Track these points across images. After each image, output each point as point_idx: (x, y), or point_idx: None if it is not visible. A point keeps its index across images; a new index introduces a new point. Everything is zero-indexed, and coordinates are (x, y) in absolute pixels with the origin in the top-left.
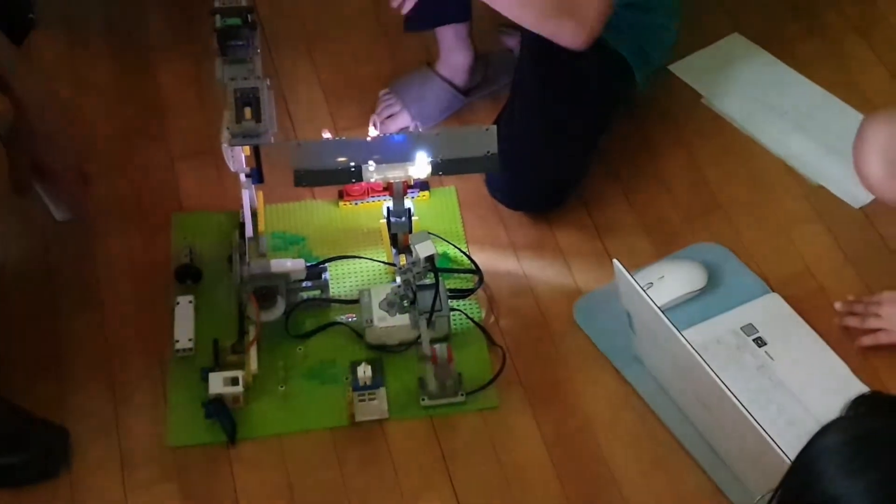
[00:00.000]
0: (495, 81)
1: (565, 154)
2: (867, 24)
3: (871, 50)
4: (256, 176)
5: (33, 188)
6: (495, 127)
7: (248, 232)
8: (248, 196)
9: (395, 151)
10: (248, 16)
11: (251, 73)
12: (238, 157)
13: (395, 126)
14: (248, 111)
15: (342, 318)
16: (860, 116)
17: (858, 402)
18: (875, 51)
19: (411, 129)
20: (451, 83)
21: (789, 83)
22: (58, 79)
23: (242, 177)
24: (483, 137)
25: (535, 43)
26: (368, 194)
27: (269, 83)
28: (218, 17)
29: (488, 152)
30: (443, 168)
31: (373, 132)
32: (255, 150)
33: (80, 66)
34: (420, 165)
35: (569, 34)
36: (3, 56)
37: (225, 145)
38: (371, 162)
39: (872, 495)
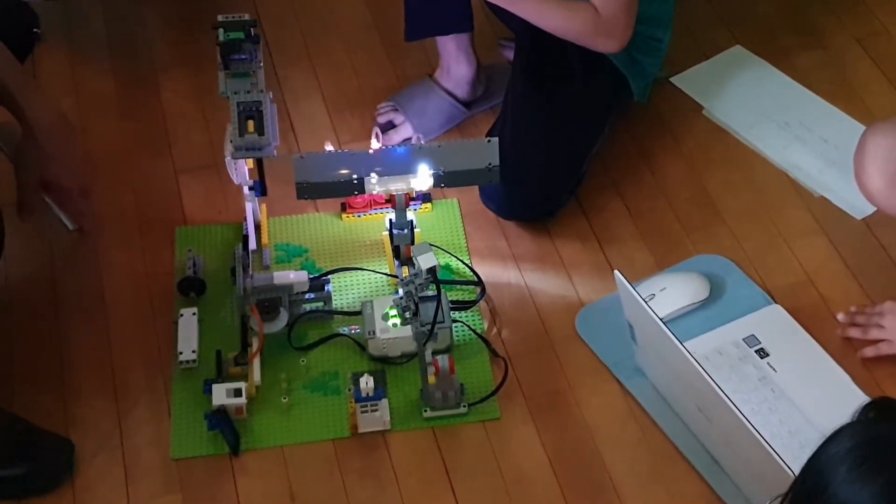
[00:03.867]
0: (497, 94)
1: (557, 163)
2: (868, 35)
3: (871, 61)
4: (259, 189)
5: (38, 211)
6: (497, 139)
7: (252, 244)
8: (252, 209)
9: (397, 164)
10: (251, 30)
11: (254, 86)
12: (241, 170)
13: (397, 138)
14: (251, 124)
15: (345, 329)
16: (861, 127)
17: (868, 408)
18: (875, 61)
19: (413, 141)
20: (453, 95)
21: (791, 95)
22: (61, 93)
23: (246, 189)
24: (485, 149)
25: (528, 53)
26: (371, 206)
27: (271, 96)
28: (221, 31)
29: (490, 164)
30: (444, 180)
31: (375, 145)
32: (259, 163)
33: (82, 81)
34: (422, 177)
35: (602, 48)
36: (10, 75)
37: (228, 158)
38: (373, 174)
39: (882, 500)
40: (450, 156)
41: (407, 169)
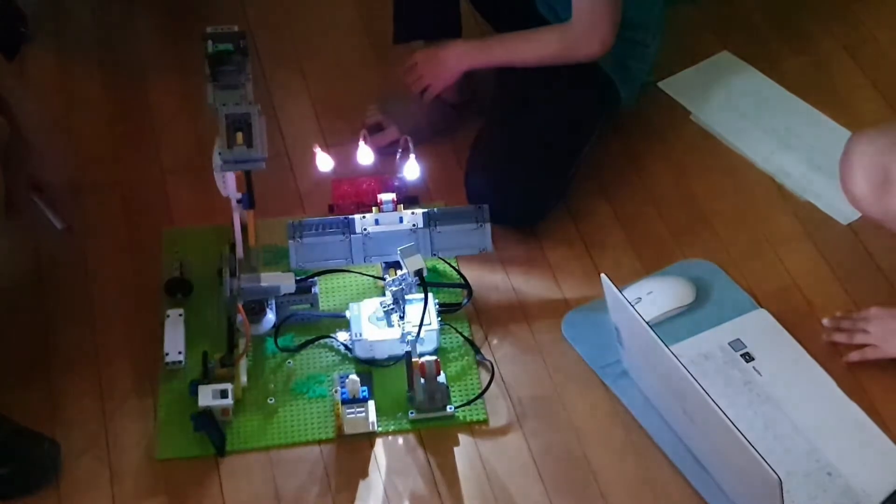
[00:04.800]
0: (485, 97)
1: (544, 168)
2: (855, 42)
3: (858, 68)
4: (247, 202)
5: (27, 210)
6: (489, 225)
7: (239, 253)
8: (239, 220)
9: (390, 248)
10: (241, 42)
11: (243, 98)
12: (230, 183)
13: (384, 141)
14: (239, 136)
15: (332, 338)
16: (847, 133)
17: None
18: (862, 68)
19: (401, 143)
20: (440, 98)
21: (777, 100)
22: (49, 94)
23: (234, 202)
24: (478, 235)
25: None
26: (359, 209)
27: (259, 108)
28: (210, 42)
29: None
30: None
31: (363, 147)
32: (247, 176)
33: (71, 82)
34: (412, 263)
35: (586, 55)
36: None
37: (216, 171)
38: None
39: None
40: (444, 239)
41: (399, 252)
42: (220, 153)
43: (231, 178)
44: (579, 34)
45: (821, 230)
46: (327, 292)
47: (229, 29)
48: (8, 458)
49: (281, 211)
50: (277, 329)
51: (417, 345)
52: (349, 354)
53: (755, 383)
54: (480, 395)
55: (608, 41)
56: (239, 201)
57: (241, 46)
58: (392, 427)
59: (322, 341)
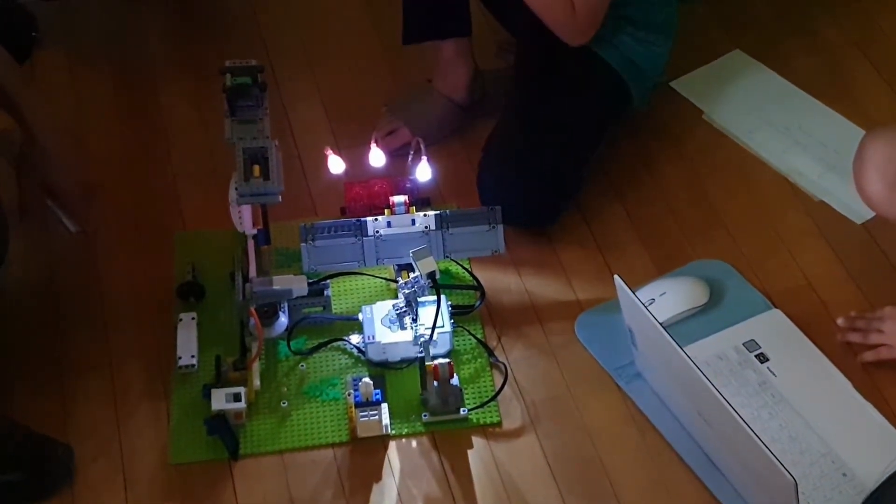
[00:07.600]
0: (496, 99)
1: (556, 169)
2: (867, 40)
3: (871, 66)
4: (263, 238)
5: (40, 214)
6: (501, 227)
7: (252, 273)
8: (252, 246)
9: (401, 250)
10: (258, 76)
11: (260, 133)
12: (246, 217)
13: (395, 143)
14: (256, 169)
15: (345, 341)
16: (861, 132)
17: None
18: (875, 66)
19: (412, 145)
20: (450, 99)
21: (790, 99)
22: (60, 97)
23: (249, 238)
24: (490, 237)
25: (528, 58)
26: (371, 212)
27: (277, 143)
28: (228, 76)
29: (494, 251)
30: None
31: (374, 150)
32: (264, 211)
33: (82, 86)
34: (425, 265)
35: (570, 39)
36: (10, 78)
37: (233, 205)
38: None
39: None
40: (456, 241)
41: (411, 254)
42: (236, 187)
43: (247, 212)
44: (578, 19)
45: (835, 229)
46: (340, 295)
47: (247, 62)
48: (22, 464)
49: (293, 214)
50: (290, 332)
51: (431, 347)
52: (362, 357)
53: (770, 384)
54: (494, 398)
55: (590, 36)
56: (254, 237)
57: (258, 80)
58: (405, 430)
59: (335, 344)
